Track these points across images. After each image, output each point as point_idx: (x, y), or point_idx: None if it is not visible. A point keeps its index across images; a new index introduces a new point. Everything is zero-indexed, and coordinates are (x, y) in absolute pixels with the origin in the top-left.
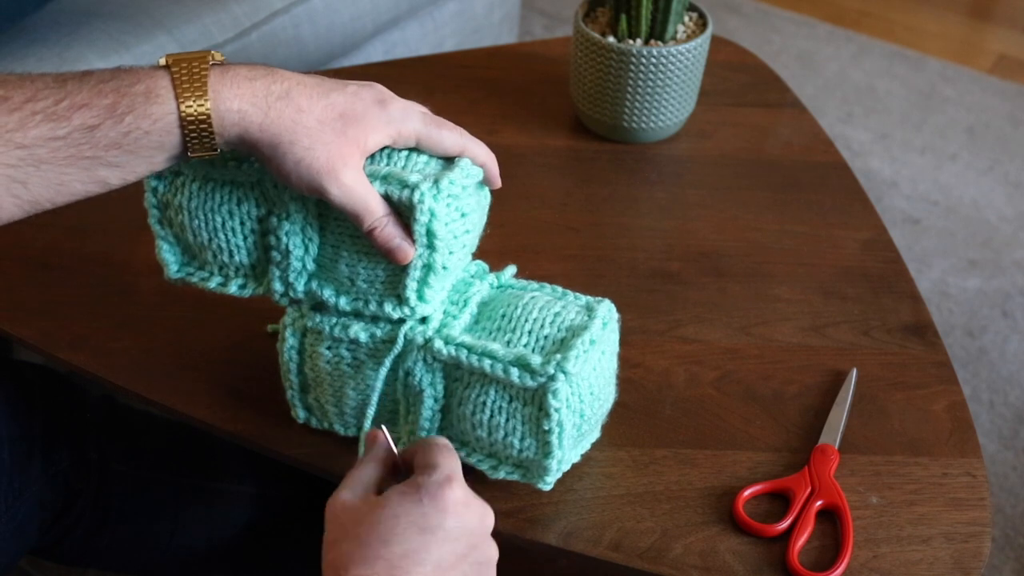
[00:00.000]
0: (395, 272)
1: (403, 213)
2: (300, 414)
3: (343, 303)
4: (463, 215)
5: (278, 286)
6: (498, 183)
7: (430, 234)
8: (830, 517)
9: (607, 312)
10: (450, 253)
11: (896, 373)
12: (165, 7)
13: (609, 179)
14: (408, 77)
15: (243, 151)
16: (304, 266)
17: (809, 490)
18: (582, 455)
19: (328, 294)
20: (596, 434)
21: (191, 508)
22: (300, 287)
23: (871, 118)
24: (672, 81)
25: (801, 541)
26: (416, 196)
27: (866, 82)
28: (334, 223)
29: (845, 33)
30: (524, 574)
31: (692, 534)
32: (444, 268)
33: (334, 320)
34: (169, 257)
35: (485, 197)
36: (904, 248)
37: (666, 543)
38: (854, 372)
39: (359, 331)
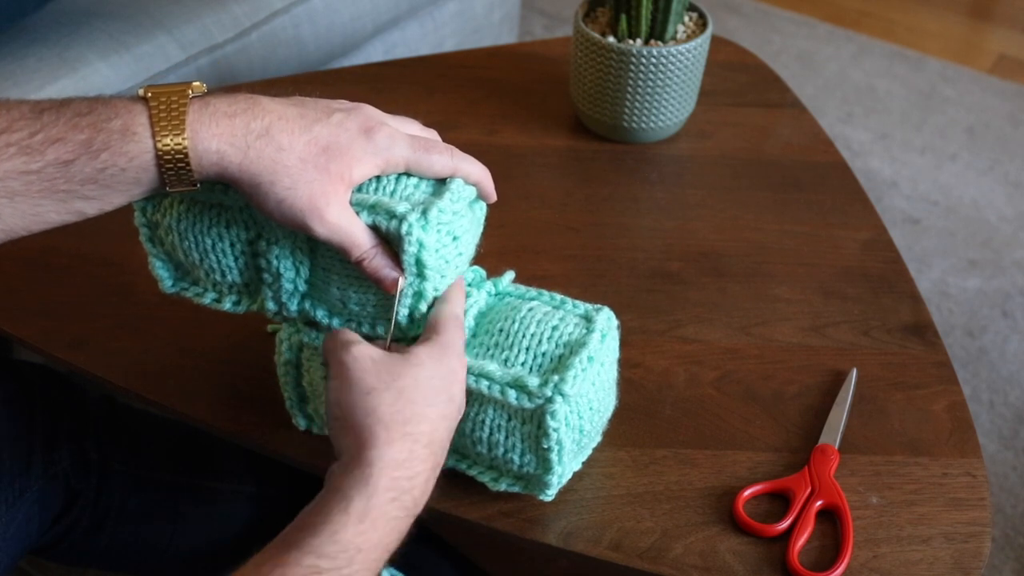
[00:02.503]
0: (386, 297)
1: (392, 242)
2: (301, 423)
3: (336, 324)
4: (455, 239)
5: (271, 305)
6: (493, 198)
7: (419, 264)
8: (830, 517)
9: (605, 322)
10: (442, 277)
11: (896, 373)
12: (165, 7)
13: (609, 179)
14: (408, 77)
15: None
16: (296, 287)
17: (809, 490)
18: (583, 462)
19: (321, 315)
20: (598, 439)
21: (191, 508)
22: (293, 307)
23: (871, 118)
24: (672, 81)
25: (801, 541)
26: (404, 227)
27: (866, 82)
28: (323, 248)
29: (845, 33)
30: (524, 574)
31: (692, 534)
32: (436, 291)
33: None
34: (163, 273)
35: (480, 210)
36: (904, 248)
37: (666, 543)
38: (854, 372)
39: None
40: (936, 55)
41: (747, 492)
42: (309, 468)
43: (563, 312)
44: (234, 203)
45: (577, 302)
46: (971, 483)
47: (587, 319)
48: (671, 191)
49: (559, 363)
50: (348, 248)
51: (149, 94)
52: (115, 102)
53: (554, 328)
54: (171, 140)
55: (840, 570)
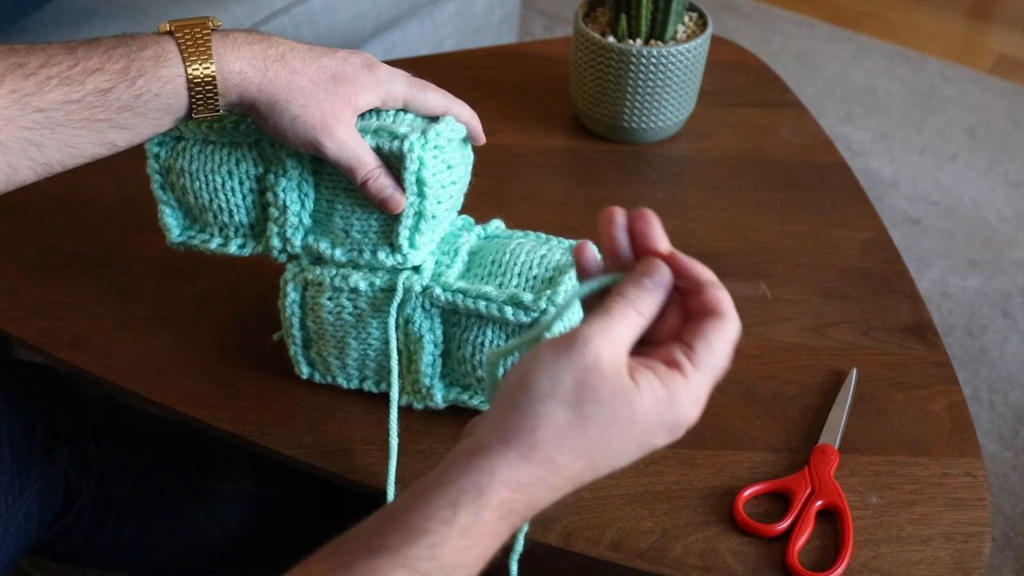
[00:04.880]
0: (388, 221)
1: (393, 165)
2: (304, 370)
3: (339, 254)
4: (449, 167)
5: (276, 242)
6: (482, 139)
7: (420, 182)
8: (830, 517)
9: None
10: (438, 202)
11: (896, 373)
12: (165, 7)
13: (609, 179)
14: None
15: (240, 112)
16: (301, 221)
17: (809, 490)
18: None
19: (324, 246)
20: None
21: (191, 508)
22: (297, 242)
23: (871, 118)
24: (672, 81)
25: (801, 541)
26: (406, 146)
27: (866, 82)
28: (328, 178)
29: (845, 33)
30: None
31: (692, 534)
32: (433, 216)
33: (334, 271)
34: (171, 222)
35: (469, 155)
36: (904, 248)
37: (666, 543)
38: (854, 372)
39: (359, 280)
40: (936, 55)
41: (747, 492)
42: (309, 468)
43: (550, 245)
44: (244, 140)
45: (562, 239)
46: (971, 483)
47: (571, 251)
48: (671, 191)
49: (550, 283)
50: (355, 167)
51: (173, 27)
52: (143, 36)
53: (542, 256)
54: (200, 66)
55: (840, 570)
